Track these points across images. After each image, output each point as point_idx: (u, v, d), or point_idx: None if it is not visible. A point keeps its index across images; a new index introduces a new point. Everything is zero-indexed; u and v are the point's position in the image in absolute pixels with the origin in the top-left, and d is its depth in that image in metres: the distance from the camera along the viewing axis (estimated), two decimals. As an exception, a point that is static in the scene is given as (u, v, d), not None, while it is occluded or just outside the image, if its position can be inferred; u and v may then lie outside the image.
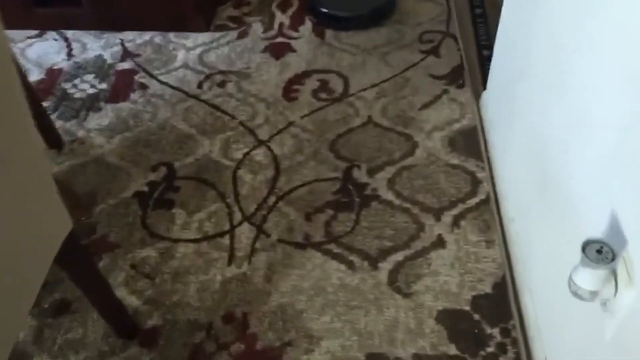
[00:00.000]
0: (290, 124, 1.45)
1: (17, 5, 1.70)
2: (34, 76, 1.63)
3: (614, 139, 0.72)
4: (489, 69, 1.52)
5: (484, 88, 1.47)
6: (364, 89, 1.52)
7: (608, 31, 0.76)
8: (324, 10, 1.71)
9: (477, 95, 1.48)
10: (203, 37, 1.72)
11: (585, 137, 0.82)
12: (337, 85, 1.54)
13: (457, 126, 1.40)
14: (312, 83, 1.55)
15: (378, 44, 1.65)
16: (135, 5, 1.67)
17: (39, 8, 1.72)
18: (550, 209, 0.97)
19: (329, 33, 1.70)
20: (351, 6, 1.71)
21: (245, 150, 1.39)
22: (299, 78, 1.57)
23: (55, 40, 1.74)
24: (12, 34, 1.76)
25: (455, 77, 1.53)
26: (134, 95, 1.55)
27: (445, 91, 1.49)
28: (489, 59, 1.58)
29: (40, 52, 1.70)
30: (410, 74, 1.55)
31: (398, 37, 1.67)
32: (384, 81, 1.54)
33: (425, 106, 1.46)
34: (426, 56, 1.60)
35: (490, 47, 1.63)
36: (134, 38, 1.72)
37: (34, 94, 1.43)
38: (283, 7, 1.80)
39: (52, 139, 1.41)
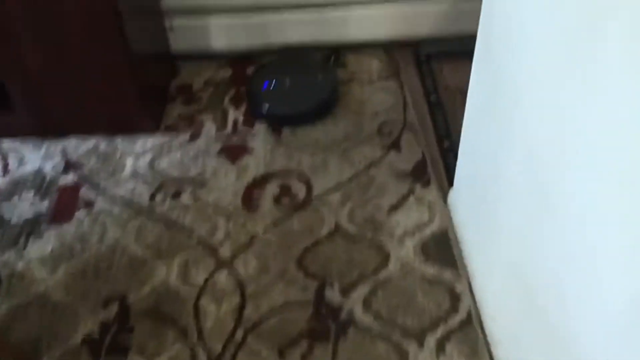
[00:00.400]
0: (253, 238, 1.35)
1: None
2: (-35, 197, 1.48)
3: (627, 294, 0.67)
4: (451, 163, 1.50)
5: (450, 185, 1.43)
6: (328, 192, 1.45)
7: (603, 140, 0.71)
8: (267, 110, 1.66)
9: (444, 194, 1.43)
10: (152, 140, 1.62)
11: (583, 277, 0.77)
12: (299, 189, 1.47)
13: (428, 231, 1.35)
14: (272, 188, 1.47)
15: (337, 138, 1.60)
16: (75, 109, 1.56)
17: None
18: (540, 339, 0.91)
19: (285, 129, 1.64)
20: (294, 102, 1.67)
21: (207, 274, 1.28)
22: (259, 183, 1.49)
23: (-12, 152, 1.61)
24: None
25: (419, 174, 1.49)
26: (79, 214, 1.42)
27: (412, 190, 1.44)
28: (450, 150, 1.56)
29: (-28, 167, 1.57)
30: (374, 172, 1.50)
31: (356, 130, 1.62)
32: (348, 180, 1.48)
33: (394, 208, 1.40)
34: (388, 151, 1.56)
35: (449, 136, 1.61)
36: (76, 145, 1.61)
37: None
38: (236, 102, 1.73)
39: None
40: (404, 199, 1.42)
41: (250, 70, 1.81)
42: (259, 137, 1.61)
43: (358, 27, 1.85)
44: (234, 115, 1.69)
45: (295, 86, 1.69)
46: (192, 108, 1.72)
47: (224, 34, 1.83)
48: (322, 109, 1.67)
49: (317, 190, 1.46)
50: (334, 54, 1.89)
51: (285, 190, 1.46)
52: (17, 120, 1.58)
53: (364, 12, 1.81)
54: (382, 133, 1.61)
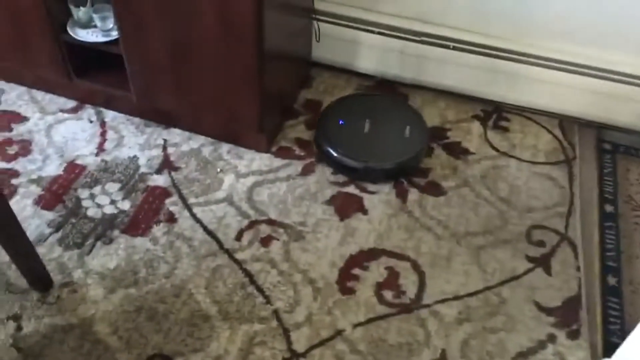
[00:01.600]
0: (338, 333, 1.10)
1: (56, 71, 1.42)
2: (51, 169, 1.34)
3: None
4: (613, 311, 1.14)
5: (607, 350, 1.08)
6: (444, 300, 1.16)
7: None
8: (339, 157, 1.35)
9: (595, 357, 1.09)
10: (260, 160, 1.39)
11: None
12: (409, 282, 1.18)
13: (559, 406, 1.02)
14: (378, 270, 1.20)
15: (473, 229, 1.29)
16: (188, 98, 1.35)
17: (80, 79, 1.45)
18: None
19: (413, 194, 1.35)
20: (368, 154, 1.36)
21: (271, 362, 1.05)
22: (364, 257, 1.22)
23: (91, 122, 1.45)
24: (47, 99, 1.49)
25: (568, 316, 1.15)
26: (156, 230, 1.24)
27: (552, 338, 1.11)
28: (615, 292, 1.20)
29: (69, 134, 1.42)
30: (507, 293, 1.18)
31: (500, 224, 1.30)
32: (471, 294, 1.17)
33: (523, 356, 1.08)
34: (533, 267, 1.23)
35: (618, 271, 1.24)
36: (179, 141, 1.42)
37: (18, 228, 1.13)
38: (366, 140, 1.46)
39: (38, 279, 1.11)
40: (539, 347, 1.09)
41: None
42: (380, 195, 1.34)
43: (535, 89, 1.49)
44: (360, 156, 1.43)
45: (380, 137, 1.39)
46: (314, 134, 1.47)
47: (374, 53, 1.55)
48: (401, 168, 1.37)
49: (430, 292, 1.17)
50: (496, 112, 1.55)
51: (392, 279, 1.19)
52: (127, 97, 1.41)
53: (550, 74, 1.45)
54: (531, 239, 1.28)
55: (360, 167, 1.34)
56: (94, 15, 1.32)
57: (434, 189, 1.36)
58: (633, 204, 1.38)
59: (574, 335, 1.11)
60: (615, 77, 1.41)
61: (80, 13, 1.33)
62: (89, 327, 1.07)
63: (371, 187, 1.36)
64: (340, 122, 1.39)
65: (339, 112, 1.44)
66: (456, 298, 1.16)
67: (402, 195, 1.35)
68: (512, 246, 1.26)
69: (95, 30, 1.34)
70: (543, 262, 1.23)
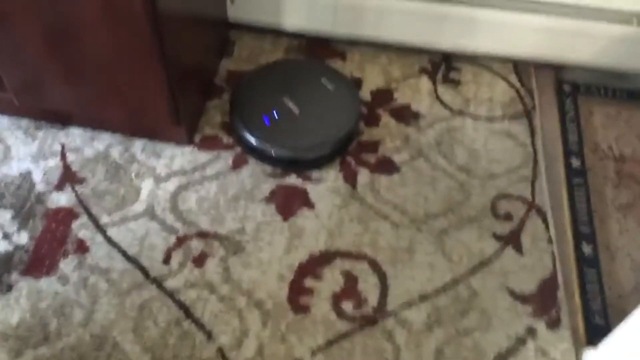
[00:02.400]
0: (295, 364, 0.96)
1: None
2: None
3: None
4: (593, 288, 1.05)
5: (589, 341, 0.99)
6: (410, 305, 1.02)
7: None
8: (260, 147, 1.16)
9: (578, 347, 1.00)
10: (182, 156, 1.18)
11: None
12: (369, 287, 1.04)
13: (546, 413, 0.93)
14: (333, 278, 1.05)
15: (433, 209, 1.14)
16: (81, 96, 1.08)
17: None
18: None
19: (363, 176, 1.18)
20: (307, 139, 1.16)
21: (222, 415, 0.90)
22: (315, 264, 1.06)
23: (-35, 132, 1.19)
24: None
25: (546, 302, 1.04)
26: (65, 265, 1.03)
27: (531, 331, 1.00)
28: (593, 263, 1.10)
29: (-61, 152, 1.16)
30: (478, 283, 1.05)
31: (462, 199, 1.16)
32: (439, 291, 1.04)
33: (501, 358, 0.97)
34: (503, 247, 1.10)
35: (593, 237, 1.14)
36: (81, 144, 1.18)
37: None
38: (302, 115, 1.26)
39: None
40: (519, 344, 0.99)
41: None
42: (326, 184, 1.16)
43: (485, 33, 1.31)
44: (298, 134, 1.23)
45: (307, 115, 1.19)
46: (230, 121, 1.25)
47: (302, 7, 1.31)
48: (338, 148, 1.19)
49: (394, 294, 1.03)
50: (444, 63, 1.37)
51: (350, 286, 1.04)
52: (4, 97, 1.14)
53: (500, 15, 1.26)
54: (497, 213, 1.15)
55: (287, 157, 1.16)
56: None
57: (386, 166, 1.20)
58: (601, 153, 1.26)
59: (553, 324, 1.01)
60: (571, 12, 1.25)
61: None
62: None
63: (315, 173, 1.18)
64: (266, 118, 1.17)
65: (253, 90, 1.22)
66: (423, 299, 1.03)
67: (351, 178, 1.17)
68: (478, 224, 1.13)
69: (-57, 20, 1.05)
70: (512, 239, 1.11)
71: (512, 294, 1.04)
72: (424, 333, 0.99)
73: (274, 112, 1.17)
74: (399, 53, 1.37)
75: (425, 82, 1.33)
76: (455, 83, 1.34)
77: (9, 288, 1.00)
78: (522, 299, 1.04)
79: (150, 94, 1.05)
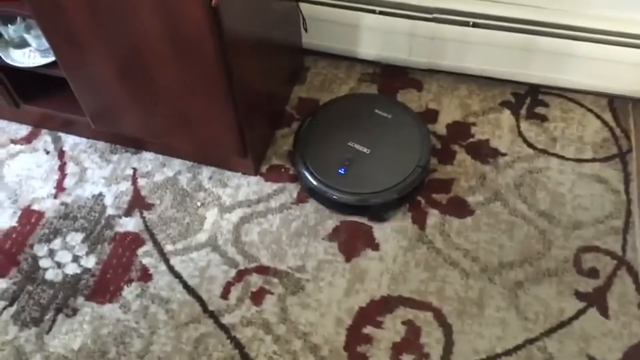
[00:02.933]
0: (348, 420, 0.91)
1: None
2: (3, 220, 1.14)
3: None
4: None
5: None
6: (476, 363, 0.95)
7: None
8: (323, 191, 1.10)
9: None
10: (248, 187, 1.17)
11: None
12: (432, 341, 0.97)
13: None
14: (394, 327, 0.99)
15: (508, 258, 1.05)
16: (153, 124, 1.09)
17: (29, 105, 1.22)
18: None
19: (433, 217, 1.11)
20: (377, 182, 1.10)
21: None
22: (376, 310, 1.01)
23: (47, 152, 1.23)
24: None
25: (631, 375, 0.93)
26: (128, 292, 1.04)
27: (613, 408, 0.90)
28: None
29: (23, 171, 1.21)
30: (554, 346, 0.96)
31: (542, 249, 1.06)
32: (510, 352, 0.96)
33: None
34: (585, 308, 1.00)
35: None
36: (152, 170, 1.19)
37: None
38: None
39: (-11, 375, 0.94)
40: (596, 422, 0.89)
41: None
42: (393, 223, 1.11)
43: (579, 66, 1.19)
44: (367, 168, 1.18)
45: (376, 157, 1.12)
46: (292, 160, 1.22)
47: (378, 36, 1.26)
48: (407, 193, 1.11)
49: (459, 352, 0.96)
50: (530, 96, 1.27)
51: (412, 337, 0.98)
52: (83, 121, 1.18)
53: (597, 49, 1.15)
54: (581, 268, 1.04)
55: (354, 202, 1.10)
56: (26, 35, 1.07)
57: (459, 208, 1.12)
58: None
59: (641, 402, 0.90)
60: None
61: (10, 31, 1.09)
62: None
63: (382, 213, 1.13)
64: (342, 169, 1.10)
65: (317, 131, 1.17)
66: (491, 359, 0.95)
67: (419, 220, 1.11)
68: (558, 279, 1.03)
69: (32, 50, 1.10)
70: (597, 300, 1.00)
71: (593, 362, 0.94)
72: (490, 398, 0.91)
73: (344, 159, 1.11)
74: (480, 84, 1.29)
75: (507, 117, 1.24)
76: (542, 119, 1.24)
77: (74, 312, 1.02)
78: (605, 369, 0.93)
79: (217, 127, 1.05)
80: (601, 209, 1.11)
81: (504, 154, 1.19)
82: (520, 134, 1.22)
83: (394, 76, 1.32)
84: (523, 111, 1.25)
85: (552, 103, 1.26)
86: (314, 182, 1.10)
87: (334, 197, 1.09)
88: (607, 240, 1.07)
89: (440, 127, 1.23)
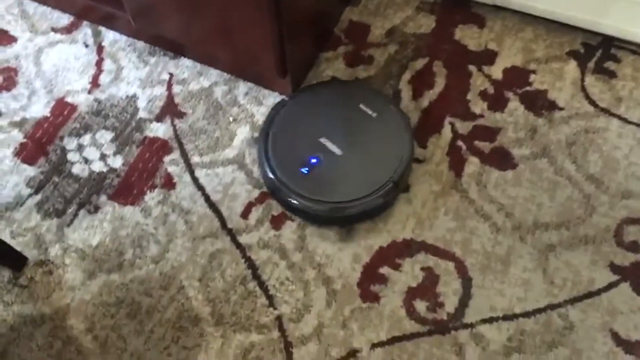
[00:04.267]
0: (352, 355, 0.89)
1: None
2: (37, 108, 1.13)
3: None
4: None
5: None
6: (491, 319, 0.91)
7: None
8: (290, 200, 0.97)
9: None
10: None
11: None
12: (450, 291, 0.94)
13: None
14: (412, 271, 0.96)
15: (545, 219, 0.99)
16: (194, 30, 1.04)
17: (72, -6, 1.18)
18: None
19: (472, 165, 1.05)
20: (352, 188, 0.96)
21: (266, 386, 0.88)
22: (397, 251, 0.97)
23: (86, 46, 1.21)
24: (39, 14, 1.24)
25: (654, 358, 0.88)
26: (150, 197, 1.03)
27: (627, 387, 0.86)
28: None
29: (61, 62, 1.19)
30: (577, 315, 0.91)
31: (583, 214, 0.99)
32: (529, 314, 0.92)
33: (582, 409, 0.85)
34: (618, 281, 0.94)
35: None
36: (188, 77, 1.15)
37: None
38: (419, 85, 1.14)
39: (7, 257, 0.96)
40: (607, 399, 0.85)
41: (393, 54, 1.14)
42: (429, 166, 1.05)
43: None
44: (408, 105, 1.12)
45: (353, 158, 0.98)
46: (355, 70, 1.15)
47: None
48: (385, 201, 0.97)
49: (475, 306, 0.92)
50: (602, 48, 1.16)
51: (429, 285, 0.94)
52: (124, 17, 1.14)
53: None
54: (621, 240, 0.97)
55: (304, 208, 0.96)
56: None
57: (501, 159, 1.05)
58: None
59: (659, 387, 0.86)
60: None
61: None
62: (62, 321, 0.93)
63: (418, 151, 1.07)
64: (308, 165, 0.97)
65: (292, 116, 1.03)
66: (508, 318, 0.91)
67: (457, 165, 1.05)
68: (594, 248, 0.97)
69: None
70: (632, 275, 0.94)
71: (616, 338, 0.89)
72: (500, 357, 0.88)
73: (309, 157, 0.97)
74: (549, 28, 1.18)
75: (572, 68, 1.14)
76: (610, 75, 1.13)
77: (96, 209, 1.02)
78: (626, 346, 0.88)
79: (257, 40, 0.99)
80: (657, 181, 1.02)
81: (561, 108, 1.10)
82: (583, 88, 1.12)
83: (455, 8, 1.22)
84: (591, 64, 1.14)
85: (625, 59, 1.14)
86: (270, 176, 0.97)
87: (288, 198, 0.96)
88: (656, 215, 0.99)
89: (496, 71, 1.14)
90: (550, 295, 0.93)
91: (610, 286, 0.94)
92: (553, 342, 0.89)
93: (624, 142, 1.06)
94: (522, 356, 0.88)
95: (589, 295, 0.93)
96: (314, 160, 0.98)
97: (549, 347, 0.89)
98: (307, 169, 0.97)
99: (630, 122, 1.08)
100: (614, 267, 0.95)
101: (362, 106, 1.03)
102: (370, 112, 1.02)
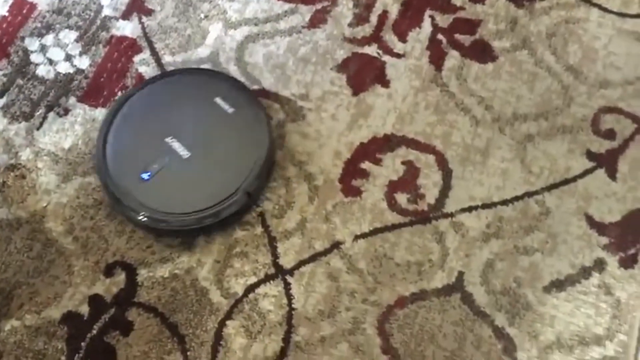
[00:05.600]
0: (335, 246, 0.90)
1: None
2: (-8, 7, 1.07)
3: None
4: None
5: (666, 290, 0.87)
6: (471, 208, 0.93)
7: None
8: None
9: (648, 296, 0.88)
10: (257, 3, 1.07)
11: None
12: (430, 183, 0.95)
13: (594, 354, 0.85)
14: (393, 165, 0.96)
15: (524, 110, 0.99)
16: None
17: None
18: None
19: (452, 59, 1.03)
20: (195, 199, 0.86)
21: (252, 279, 0.88)
22: (378, 147, 0.97)
23: (40, -61, 1.12)
24: None
25: (625, 238, 0.91)
26: (122, 99, 1.00)
27: (600, 264, 0.89)
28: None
29: (14, -43, 1.10)
30: (554, 201, 0.93)
31: (561, 104, 1.00)
32: (507, 202, 0.93)
33: (557, 287, 0.88)
34: (594, 168, 0.96)
35: None
36: (156, -29, 1.09)
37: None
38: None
39: (-21, 162, 0.93)
40: (581, 275, 0.88)
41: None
42: (409, 60, 1.03)
43: None
44: (387, 3, 1.08)
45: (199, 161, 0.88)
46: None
47: None
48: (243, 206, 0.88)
49: (455, 196, 0.93)
50: None
51: (409, 178, 0.95)
52: None
53: None
54: (598, 128, 0.98)
55: (140, 221, 0.86)
56: None
57: (481, 52, 1.04)
58: None
59: (628, 262, 0.89)
60: None
61: None
62: (40, 224, 0.91)
63: (399, 46, 1.04)
64: (146, 174, 0.86)
65: (137, 110, 0.92)
66: (486, 206, 0.93)
67: (437, 59, 1.03)
68: (571, 137, 0.98)
69: None
70: (608, 161, 0.96)
71: (590, 221, 0.92)
72: (479, 242, 0.91)
73: (149, 161, 0.86)
74: None
75: (553, -43, 1.11)
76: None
77: (66, 112, 0.98)
78: (600, 228, 0.91)
79: None
80: (634, 70, 1.02)
81: (542, -1, 1.08)
82: (564, -23, 1.09)
83: None
84: (572, -48, 1.11)
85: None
86: (107, 182, 0.86)
87: (127, 209, 0.85)
88: (632, 102, 1.00)
89: (477, -40, 1.10)
90: (528, 184, 0.95)
91: (586, 172, 0.95)
92: (530, 227, 0.92)
93: (603, 31, 1.05)
94: (500, 241, 0.91)
95: (565, 182, 0.95)
96: (155, 166, 0.86)
97: (526, 232, 0.91)
98: (148, 174, 0.85)
99: (610, 12, 1.06)
100: (590, 155, 0.97)
101: (217, 100, 0.90)
102: (226, 107, 0.90)
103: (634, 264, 0.89)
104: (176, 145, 0.88)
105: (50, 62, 1.02)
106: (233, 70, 1.02)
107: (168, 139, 0.88)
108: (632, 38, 1.05)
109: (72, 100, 0.99)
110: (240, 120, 0.90)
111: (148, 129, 0.90)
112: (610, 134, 0.98)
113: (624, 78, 1.02)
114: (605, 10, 1.06)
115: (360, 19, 1.06)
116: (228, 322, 0.86)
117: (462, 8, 1.07)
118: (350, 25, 1.06)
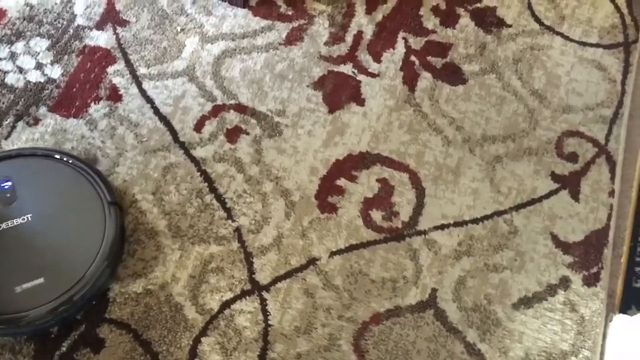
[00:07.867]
0: (311, 262, 0.91)
1: None
2: (-41, 11, 1.03)
3: None
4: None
5: (623, 307, 0.92)
6: (443, 226, 0.95)
7: None
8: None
9: (608, 313, 0.93)
10: (234, 18, 1.07)
11: None
12: (404, 201, 0.97)
13: (558, 369, 0.88)
14: (368, 183, 0.97)
15: (492, 132, 1.03)
16: None
17: None
18: None
19: (425, 80, 1.06)
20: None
21: (228, 295, 0.88)
22: (353, 164, 0.98)
23: (11, -55, 1.09)
24: None
25: (588, 257, 0.95)
26: (94, 110, 0.98)
27: (565, 282, 0.93)
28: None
29: (-18, -38, 1.07)
30: (521, 220, 0.97)
31: (527, 127, 1.04)
32: (477, 220, 0.96)
33: (525, 304, 0.91)
34: (558, 189, 1.00)
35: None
36: (129, -17, 1.08)
37: None
38: (373, 4, 1.12)
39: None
40: (548, 293, 0.92)
41: None
42: (383, 79, 1.05)
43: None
44: (361, 23, 1.10)
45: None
46: (309, -19, 1.12)
47: None
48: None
49: (428, 214, 0.96)
50: None
51: (384, 195, 0.97)
52: None
53: None
54: (561, 151, 1.03)
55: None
56: None
57: (453, 75, 1.07)
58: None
59: (591, 280, 0.93)
60: None
61: None
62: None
63: (373, 66, 1.06)
64: None
65: None
66: (458, 224, 0.96)
67: (410, 80, 1.06)
68: (537, 159, 1.02)
69: None
70: (571, 183, 1.01)
71: (555, 240, 0.96)
72: (451, 260, 0.93)
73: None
74: (499, -54, 1.18)
75: (519, -13, 1.16)
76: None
77: (36, 121, 0.96)
78: (564, 247, 0.95)
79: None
80: (594, 97, 1.08)
81: (509, 25, 1.12)
82: (529, 6, 1.14)
83: None
84: (537, -17, 1.17)
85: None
86: None
87: None
88: (592, 127, 1.05)
89: (448, -13, 1.14)
90: (497, 203, 0.98)
91: (551, 193, 1.00)
92: (499, 246, 0.95)
93: (566, 59, 1.10)
94: (471, 259, 0.93)
95: (532, 202, 0.99)
96: None
97: (496, 250, 0.94)
98: None
99: (572, 40, 1.12)
100: (554, 176, 1.01)
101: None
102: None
103: (597, 281, 0.94)
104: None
105: (20, 70, 0.99)
106: (209, 85, 1.02)
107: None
108: (592, 66, 1.10)
109: (43, 109, 0.97)
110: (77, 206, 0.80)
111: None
112: (572, 157, 1.03)
113: (585, 104, 1.07)
114: (567, 38, 1.12)
115: (336, 38, 1.08)
116: (203, 339, 0.85)
117: (433, 31, 1.10)
118: (326, 44, 1.08)
